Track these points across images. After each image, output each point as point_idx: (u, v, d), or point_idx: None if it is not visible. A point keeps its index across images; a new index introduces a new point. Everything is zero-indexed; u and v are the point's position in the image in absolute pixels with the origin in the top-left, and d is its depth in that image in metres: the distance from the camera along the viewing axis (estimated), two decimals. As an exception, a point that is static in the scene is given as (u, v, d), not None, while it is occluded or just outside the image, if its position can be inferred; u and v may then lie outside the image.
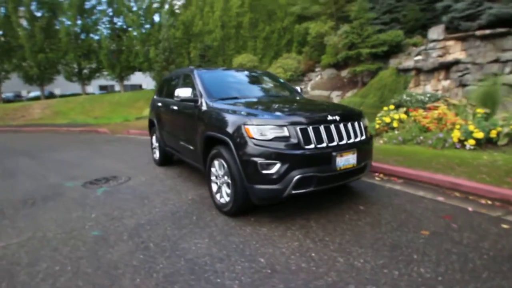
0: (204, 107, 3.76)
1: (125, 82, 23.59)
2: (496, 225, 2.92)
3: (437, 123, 5.67)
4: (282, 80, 5.03)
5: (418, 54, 13.22)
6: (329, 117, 3.10)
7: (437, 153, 4.95)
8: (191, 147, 4.03)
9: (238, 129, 3.01)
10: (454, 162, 4.43)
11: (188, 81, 4.52)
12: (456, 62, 11.00)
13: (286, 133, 2.90)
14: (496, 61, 9.98)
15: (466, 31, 12.25)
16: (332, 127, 3.08)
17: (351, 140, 3.18)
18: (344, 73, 16.64)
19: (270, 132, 2.90)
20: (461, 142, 5.07)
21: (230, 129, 3.10)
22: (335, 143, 3.05)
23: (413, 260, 2.40)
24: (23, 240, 3.02)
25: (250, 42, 19.82)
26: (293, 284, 2.17)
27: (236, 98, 3.90)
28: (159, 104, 5.43)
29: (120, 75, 22.12)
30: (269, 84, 4.75)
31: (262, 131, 2.91)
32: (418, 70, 12.24)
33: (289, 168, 2.85)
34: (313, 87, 17.02)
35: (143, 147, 7.88)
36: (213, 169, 3.52)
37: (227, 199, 3.28)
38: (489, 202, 3.48)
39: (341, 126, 3.14)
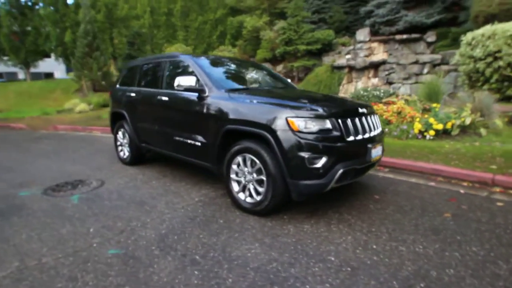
0: (214, 99, 3.40)
1: (32, 70, 19.92)
2: (492, 203, 3.38)
3: (397, 116, 6.27)
4: (272, 71, 4.89)
5: (348, 53, 14.47)
6: (360, 110, 3.13)
7: (405, 143, 5.48)
8: (196, 143, 3.61)
9: (280, 122, 2.81)
10: (424, 151, 4.97)
11: (178, 69, 4.05)
12: (383, 62, 12.36)
13: (329, 125, 2.82)
14: (416, 62, 11.54)
15: (387, 35, 13.86)
16: (363, 119, 3.12)
17: (376, 132, 3.28)
18: (280, 68, 17.15)
19: (314, 124, 2.79)
20: (421, 133, 5.70)
21: (267, 122, 2.86)
22: (368, 135, 3.10)
23: (460, 241, 2.61)
24: (11, 272, 2.29)
25: (181, 31, 18.87)
26: (382, 278, 2.14)
27: (246, 88, 3.64)
28: (132, 94, 4.72)
29: (25, 61, 18.55)
30: (264, 74, 4.56)
31: (307, 123, 2.77)
32: (351, 68, 13.39)
33: (334, 161, 2.80)
34: (250, 81, 17.10)
35: (89, 145, 6.82)
36: (234, 166, 3.23)
37: (258, 198, 3.05)
38: (470, 184, 4.00)
39: (368, 118, 3.21)
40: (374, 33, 14.77)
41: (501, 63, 6.95)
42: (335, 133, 2.84)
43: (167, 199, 3.59)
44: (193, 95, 3.64)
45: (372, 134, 3.18)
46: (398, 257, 2.38)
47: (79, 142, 7.36)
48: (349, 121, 2.95)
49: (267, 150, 2.92)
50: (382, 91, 7.71)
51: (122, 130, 5.06)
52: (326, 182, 2.81)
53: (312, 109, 2.87)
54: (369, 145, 3.04)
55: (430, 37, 13.08)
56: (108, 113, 5.70)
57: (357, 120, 3.03)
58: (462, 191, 3.77)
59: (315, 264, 2.30)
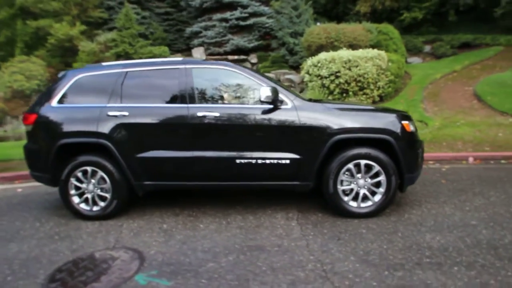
0: (306, 110, 3.21)
1: None
2: (440, 170, 5.04)
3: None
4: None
5: (187, 70, 14.86)
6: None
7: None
8: (283, 161, 3.17)
9: (398, 125, 3.18)
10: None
11: (218, 78, 3.45)
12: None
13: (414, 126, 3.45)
14: (257, 79, 13.57)
15: (217, 55, 15.43)
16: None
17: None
18: (106, 84, 15.05)
19: (412, 125, 3.33)
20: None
21: (390, 127, 3.14)
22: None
23: (482, 191, 3.85)
24: None
25: None
26: (512, 224, 3.02)
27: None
28: (123, 114, 3.28)
29: None
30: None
31: (410, 125, 3.27)
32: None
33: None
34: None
35: None
36: (343, 176, 3.19)
37: (377, 199, 3.22)
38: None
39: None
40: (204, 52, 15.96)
41: (341, 80, 9.65)
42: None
43: (278, 235, 2.96)
44: (261, 108, 3.21)
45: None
46: (486, 210, 3.32)
47: None
48: (411, 122, 3.70)
49: (382, 152, 3.16)
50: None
51: (87, 169, 3.36)
52: (420, 172, 3.42)
53: (404, 114, 3.40)
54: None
55: (253, 59, 15.69)
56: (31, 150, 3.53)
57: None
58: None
59: (484, 230, 2.88)
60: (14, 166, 6.13)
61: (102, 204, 3.45)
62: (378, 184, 3.22)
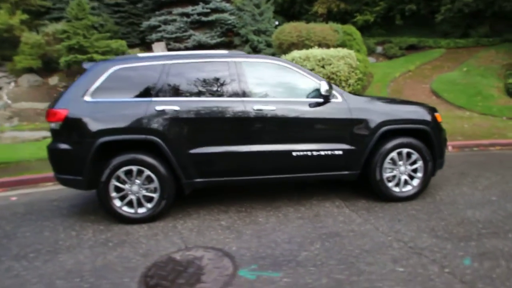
0: (356, 103, 3.43)
1: None
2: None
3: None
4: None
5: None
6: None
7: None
8: (336, 152, 3.33)
9: (431, 116, 3.57)
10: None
11: (269, 73, 3.49)
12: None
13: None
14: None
15: (178, 50, 14.93)
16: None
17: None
18: (54, 80, 13.59)
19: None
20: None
21: (427, 118, 3.50)
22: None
23: (504, 174, 4.47)
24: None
25: None
26: (523, 197, 3.60)
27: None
28: (173, 108, 3.11)
29: None
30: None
31: (439, 116, 3.68)
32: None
33: (443, 141, 3.91)
34: (16, 99, 12.53)
35: None
36: (387, 164, 3.46)
37: (415, 183, 3.56)
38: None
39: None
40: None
41: (315, 77, 10.11)
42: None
43: (342, 221, 3.11)
44: (315, 102, 3.33)
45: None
46: (495, 188, 3.90)
47: None
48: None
49: (420, 141, 3.50)
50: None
51: (131, 169, 3.12)
52: (444, 157, 3.87)
53: (432, 106, 3.80)
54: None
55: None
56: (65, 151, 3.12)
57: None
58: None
59: (507, 204, 3.38)
60: (-16, 173, 5.31)
61: (148, 205, 3.23)
62: (415, 170, 3.57)
